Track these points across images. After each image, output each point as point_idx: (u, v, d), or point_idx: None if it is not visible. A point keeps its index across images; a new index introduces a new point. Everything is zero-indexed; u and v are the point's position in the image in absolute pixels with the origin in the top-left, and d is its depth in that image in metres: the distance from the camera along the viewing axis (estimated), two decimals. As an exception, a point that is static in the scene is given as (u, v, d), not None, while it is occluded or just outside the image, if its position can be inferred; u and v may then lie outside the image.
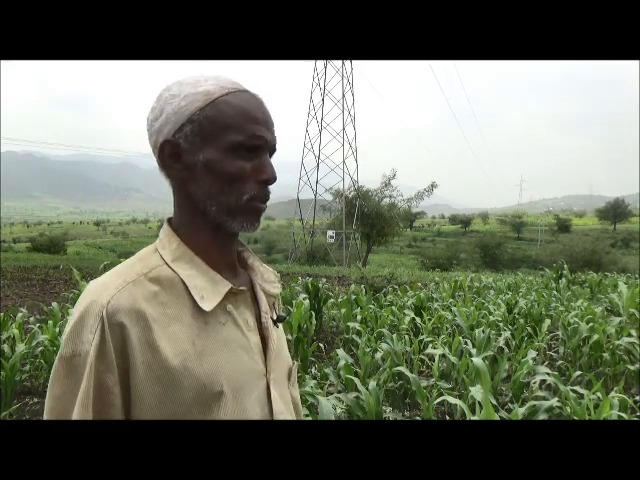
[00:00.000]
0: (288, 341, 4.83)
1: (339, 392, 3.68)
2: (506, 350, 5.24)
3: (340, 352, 4.00)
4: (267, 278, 0.90)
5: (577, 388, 3.47)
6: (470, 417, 2.61)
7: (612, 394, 3.13)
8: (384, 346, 4.21)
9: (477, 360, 3.14)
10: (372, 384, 3.22)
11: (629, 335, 5.02)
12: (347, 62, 30.32)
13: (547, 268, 14.38)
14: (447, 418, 4.00)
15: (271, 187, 0.84)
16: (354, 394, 3.23)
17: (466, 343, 4.78)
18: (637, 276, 14.40)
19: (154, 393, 0.70)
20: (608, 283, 11.43)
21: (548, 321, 5.93)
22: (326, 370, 3.97)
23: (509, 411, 3.64)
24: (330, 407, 2.63)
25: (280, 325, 0.93)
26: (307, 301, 6.36)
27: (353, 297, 7.63)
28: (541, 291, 9.63)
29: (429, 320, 5.95)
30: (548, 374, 3.71)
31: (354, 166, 30.82)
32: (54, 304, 5.43)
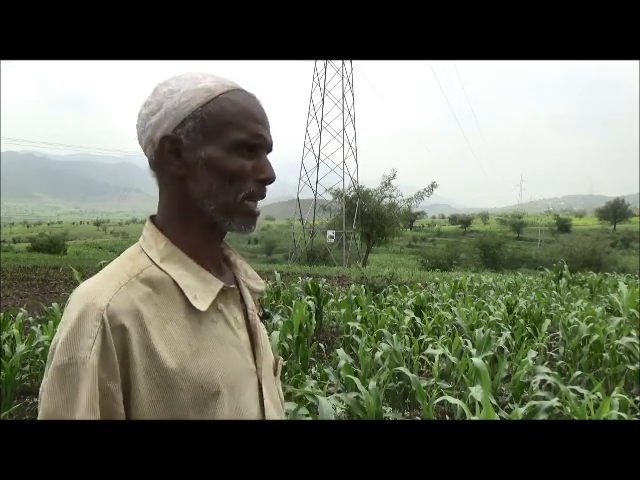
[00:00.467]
0: (289, 341, 4.84)
1: (339, 392, 3.67)
2: (506, 350, 5.24)
3: (340, 352, 4.00)
4: (251, 275, 0.90)
5: (577, 388, 3.47)
6: (470, 417, 2.61)
7: (612, 394, 3.13)
8: (384, 346, 4.21)
9: (477, 360, 3.15)
10: (372, 384, 3.22)
11: (629, 335, 5.02)
12: (347, 62, 30.33)
13: (547, 268, 14.38)
14: (447, 418, 4.00)
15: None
16: (354, 394, 3.23)
17: (466, 343, 4.78)
18: (637, 276, 14.40)
19: (152, 399, 0.69)
20: (608, 283, 11.43)
21: (548, 321, 5.93)
22: (326, 370, 3.97)
23: (509, 411, 3.64)
24: (330, 407, 2.63)
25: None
26: (311, 302, 6.36)
27: (353, 297, 7.63)
28: (541, 291, 9.63)
29: (429, 320, 5.95)
30: (548, 374, 3.71)
31: (354, 166, 30.86)
32: (54, 304, 5.43)
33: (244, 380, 0.80)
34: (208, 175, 0.76)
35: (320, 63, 30.83)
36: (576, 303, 7.55)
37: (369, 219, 29.44)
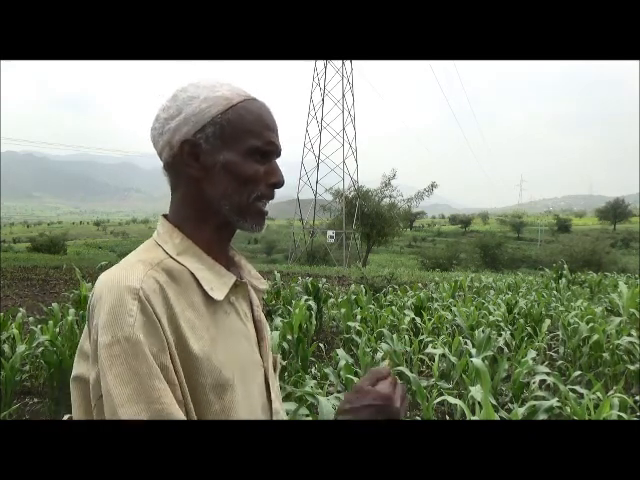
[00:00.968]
0: (288, 341, 4.84)
1: (339, 392, 3.67)
2: (506, 350, 5.24)
3: (340, 352, 4.00)
4: (254, 274, 0.95)
5: (577, 388, 3.48)
6: (470, 417, 2.61)
7: (612, 394, 3.13)
8: (384, 346, 4.22)
9: (477, 360, 3.15)
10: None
11: (629, 335, 5.02)
12: (347, 62, 30.35)
13: (547, 268, 14.37)
14: (447, 418, 4.00)
15: None
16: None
17: (466, 343, 4.79)
18: (637, 276, 14.39)
19: (182, 377, 0.72)
20: (608, 283, 11.42)
21: (548, 321, 5.93)
22: (326, 370, 3.97)
23: (509, 411, 3.64)
24: (330, 407, 2.62)
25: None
26: (311, 302, 6.36)
27: (353, 297, 7.63)
28: (541, 291, 9.62)
29: (429, 320, 5.96)
30: (548, 374, 3.72)
31: (354, 166, 30.85)
32: (54, 304, 5.43)
33: (252, 371, 0.85)
34: (224, 178, 0.81)
35: (320, 63, 30.86)
36: (576, 303, 7.55)
37: (369, 219, 29.46)
